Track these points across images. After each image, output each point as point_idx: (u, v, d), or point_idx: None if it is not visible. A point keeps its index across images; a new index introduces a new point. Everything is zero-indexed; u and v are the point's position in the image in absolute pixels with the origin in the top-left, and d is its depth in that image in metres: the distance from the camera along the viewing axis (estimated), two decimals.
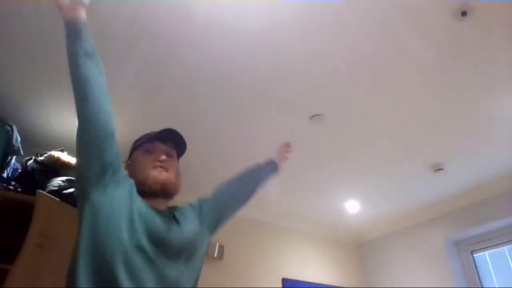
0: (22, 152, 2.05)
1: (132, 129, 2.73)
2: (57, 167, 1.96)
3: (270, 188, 3.56)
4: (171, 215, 1.14)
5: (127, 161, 1.24)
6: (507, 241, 3.29)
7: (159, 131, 1.21)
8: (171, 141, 1.23)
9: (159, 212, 1.10)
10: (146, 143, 1.21)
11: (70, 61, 1.05)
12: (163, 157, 1.17)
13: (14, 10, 1.80)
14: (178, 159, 1.27)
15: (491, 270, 3.35)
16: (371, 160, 3.01)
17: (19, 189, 1.82)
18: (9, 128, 2.01)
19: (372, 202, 3.68)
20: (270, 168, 1.53)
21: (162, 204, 1.15)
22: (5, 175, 1.91)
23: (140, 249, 0.97)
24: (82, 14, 1.07)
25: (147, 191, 1.11)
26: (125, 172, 1.13)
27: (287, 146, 1.61)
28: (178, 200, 1.22)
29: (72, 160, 1.98)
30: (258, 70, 2.17)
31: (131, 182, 1.10)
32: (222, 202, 1.32)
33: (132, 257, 0.94)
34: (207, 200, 1.31)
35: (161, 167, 1.15)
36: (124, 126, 2.63)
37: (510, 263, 3.25)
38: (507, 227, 3.28)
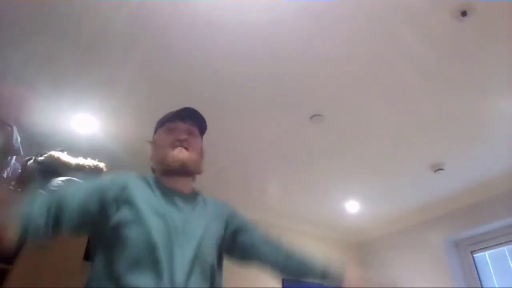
0: (22, 152, 2.05)
1: (133, 129, 2.75)
2: (57, 167, 1.96)
3: (270, 189, 3.55)
4: (194, 200, 1.14)
5: (151, 140, 1.24)
6: (507, 241, 3.29)
7: (179, 110, 1.20)
8: (192, 119, 1.22)
9: (177, 194, 1.10)
10: (167, 123, 1.21)
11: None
12: (184, 136, 1.17)
13: (13, 10, 1.80)
14: (201, 136, 1.26)
15: (491, 270, 3.35)
16: (371, 160, 3.00)
17: (19, 189, 1.82)
18: (9, 128, 2.01)
19: (372, 202, 3.68)
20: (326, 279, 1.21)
21: (185, 184, 1.16)
22: (5, 175, 1.91)
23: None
24: None
25: (167, 170, 1.13)
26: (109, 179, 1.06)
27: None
28: None
29: (72, 160, 1.98)
30: (258, 70, 2.17)
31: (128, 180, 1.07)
32: (249, 245, 1.21)
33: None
34: (243, 223, 1.22)
35: (182, 146, 1.15)
36: (125, 126, 2.63)
37: (510, 263, 3.25)
38: (507, 227, 3.28)
